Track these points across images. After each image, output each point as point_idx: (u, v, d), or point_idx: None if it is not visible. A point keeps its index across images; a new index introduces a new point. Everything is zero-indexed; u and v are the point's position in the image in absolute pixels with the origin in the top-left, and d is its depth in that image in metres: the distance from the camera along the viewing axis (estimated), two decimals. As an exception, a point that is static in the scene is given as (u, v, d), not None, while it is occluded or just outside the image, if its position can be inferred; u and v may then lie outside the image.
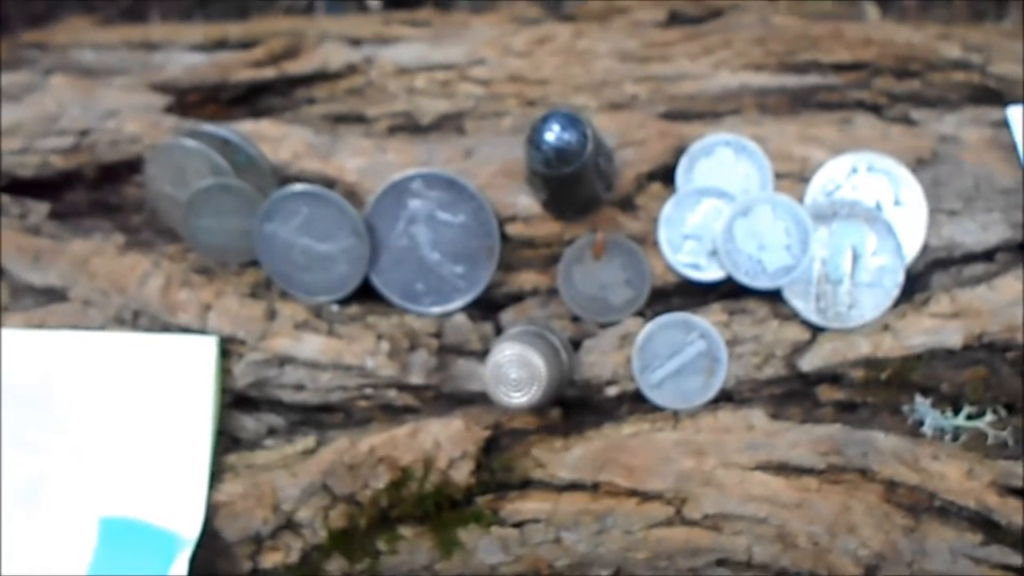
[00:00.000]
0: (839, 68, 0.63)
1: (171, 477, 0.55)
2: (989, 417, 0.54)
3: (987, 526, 0.53)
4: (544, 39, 0.66)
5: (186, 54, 0.69)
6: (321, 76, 0.66)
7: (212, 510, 0.55)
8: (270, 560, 0.55)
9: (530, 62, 0.65)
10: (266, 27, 0.72)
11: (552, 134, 0.50)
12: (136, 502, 0.55)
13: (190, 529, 0.54)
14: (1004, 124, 0.60)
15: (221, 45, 0.70)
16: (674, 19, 0.69)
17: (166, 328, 0.57)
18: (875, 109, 0.62)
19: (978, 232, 0.57)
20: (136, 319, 0.58)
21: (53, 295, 0.59)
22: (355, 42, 0.68)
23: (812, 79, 0.63)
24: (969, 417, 0.54)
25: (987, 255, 0.57)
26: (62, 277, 0.58)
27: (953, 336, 0.54)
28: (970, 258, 0.57)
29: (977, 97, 0.63)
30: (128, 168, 0.62)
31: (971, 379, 0.55)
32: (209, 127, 0.60)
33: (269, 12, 0.98)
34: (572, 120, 0.51)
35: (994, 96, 0.62)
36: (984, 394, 0.54)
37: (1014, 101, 0.61)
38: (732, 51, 0.64)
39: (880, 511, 0.53)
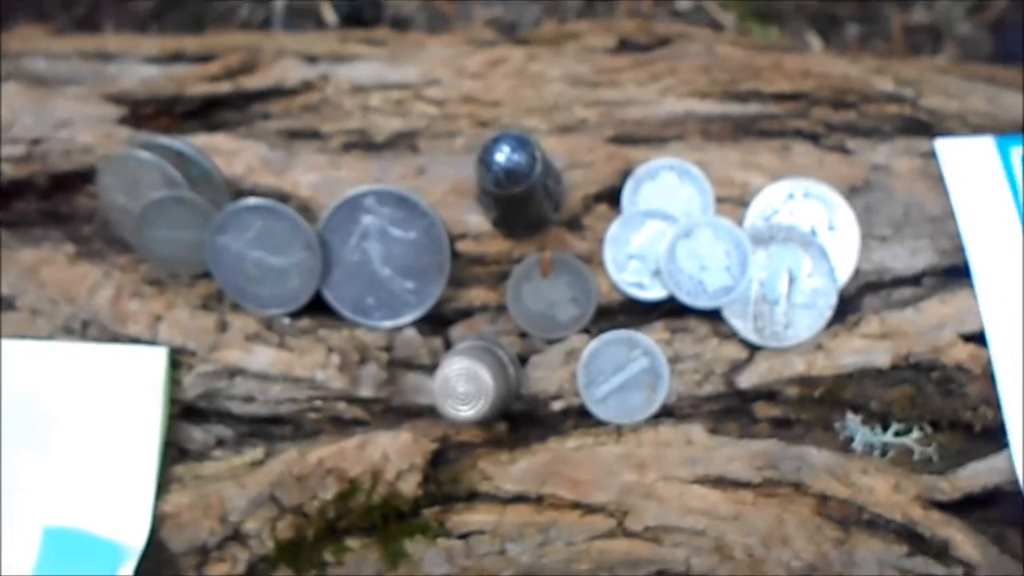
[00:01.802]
0: (779, 98, 0.66)
1: (117, 487, 0.55)
2: (915, 434, 0.57)
3: (912, 538, 0.55)
4: (497, 61, 0.68)
5: (141, 66, 0.69)
6: (277, 92, 0.66)
7: (158, 520, 0.55)
8: (216, 571, 0.55)
9: (483, 84, 0.66)
10: (223, 41, 0.73)
11: (503, 155, 0.52)
12: (81, 512, 0.55)
13: (135, 539, 0.54)
14: (933, 155, 0.63)
15: (177, 58, 0.70)
16: (623, 46, 0.71)
17: (116, 338, 0.57)
18: (812, 138, 0.65)
19: (907, 257, 0.60)
20: (85, 329, 0.58)
21: (1, 304, 0.58)
22: (311, 59, 0.69)
23: (753, 108, 0.65)
24: (897, 434, 0.57)
25: (915, 279, 0.60)
26: (11, 286, 0.58)
27: (882, 356, 0.57)
28: (899, 282, 0.60)
29: (908, 129, 0.65)
30: (80, 178, 0.62)
31: (899, 397, 0.57)
32: (163, 139, 0.60)
33: (225, 26, 0.98)
34: (522, 142, 0.52)
35: (924, 128, 0.65)
36: (911, 412, 0.57)
37: (942, 133, 0.64)
38: (678, 79, 0.66)
39: (812, 524, 0.55)
